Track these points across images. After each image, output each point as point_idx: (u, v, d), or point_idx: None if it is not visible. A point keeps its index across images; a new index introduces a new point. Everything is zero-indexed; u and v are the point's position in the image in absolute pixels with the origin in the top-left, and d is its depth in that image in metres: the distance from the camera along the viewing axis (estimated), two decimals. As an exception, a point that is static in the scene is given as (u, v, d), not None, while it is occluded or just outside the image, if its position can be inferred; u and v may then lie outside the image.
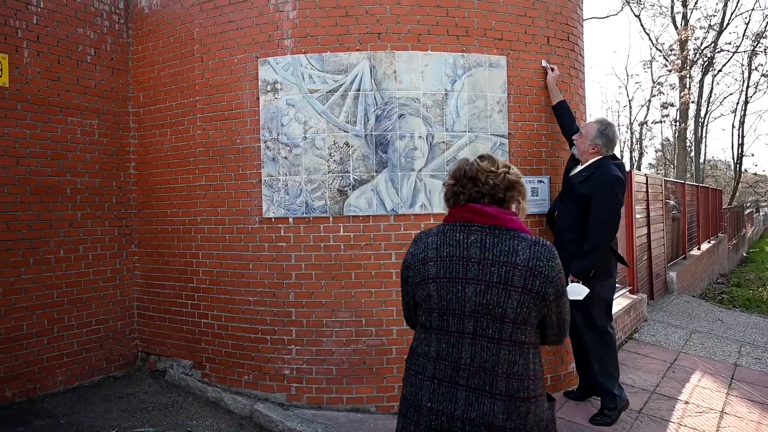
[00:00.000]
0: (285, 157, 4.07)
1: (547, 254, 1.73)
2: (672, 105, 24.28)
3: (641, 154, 34.02)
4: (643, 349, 5.55)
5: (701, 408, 4.12)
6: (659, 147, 37.03)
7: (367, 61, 3.98)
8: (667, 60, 24.22)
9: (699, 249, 12.42)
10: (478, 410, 1.69)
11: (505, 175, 1.81)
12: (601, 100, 71.97)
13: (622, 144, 33.01)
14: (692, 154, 26.65)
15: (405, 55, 4.00)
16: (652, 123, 28.49)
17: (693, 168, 26.45)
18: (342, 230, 4.01)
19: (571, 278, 3.66)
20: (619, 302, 6.01)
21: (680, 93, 23.31)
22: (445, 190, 1.89)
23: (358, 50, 3.99)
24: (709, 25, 23.84)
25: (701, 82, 25.26)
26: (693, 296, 9.74)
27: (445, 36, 4.05)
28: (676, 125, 24.87)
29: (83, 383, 4.60)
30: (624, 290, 6.65)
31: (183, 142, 4.53)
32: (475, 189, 1.80)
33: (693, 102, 24.49)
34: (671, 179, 13.01)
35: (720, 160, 42.01)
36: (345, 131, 3.99)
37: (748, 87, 27.18)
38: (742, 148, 28.35)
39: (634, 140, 33.09)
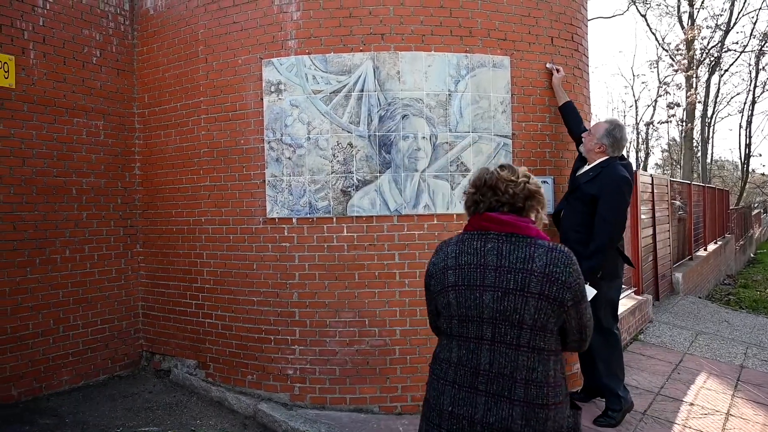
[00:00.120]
0: (289, 158, 4.08)
1: (564, 260, 1.74)
2: (678, 105, 24.19)
3: (647, 155, 33.89)
4: (648, 350, 5.53)
5: (706, 410, 4.10)
6: (666, 147, 36.90)
7: (370, 61, 3.99)
8: (673, 60, 24.13)
9: (705, 250, 12.36)
10: (496, 415, 1.71)
11: (525, 185, 1.83)
12: (607, 100, 71.82)
13: (628, 144, 32.86)
14: (699, 154, 26.53)
15: (408, 55, 4.00)
16: (659, 123, 28.41)
17: (700, 168, 26.31)
18: (345, 231, 4.02)
19: None
20: (624, 303, 5.99)
21: (687, 93, 23.21)
22: (465, 198, 1.92)
23: (361, 51, 4.00)
24: (716, 24, 23.76)
25: (708, 81, 25.16)
26: (699, 297, 9.69)
27: (448, 36, 4.06)
28: (682, 125, 24.76)
29: (88, 382, 4.62)
30: (629, 291, 6.62)
31: (187, 142, 4.55)
32: (494, 198, 1.82)
33: (699, 102, 24.39)
34: (677, 179, 12.96)
35: (727, 161, 41.80)
36: (348, 132, 4.00)
37: (755, 87, 27.07)
38: (749, 149, 28.21)
39: (640, 140, 32.97)
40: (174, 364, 4.73)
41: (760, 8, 34.12)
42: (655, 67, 33.51)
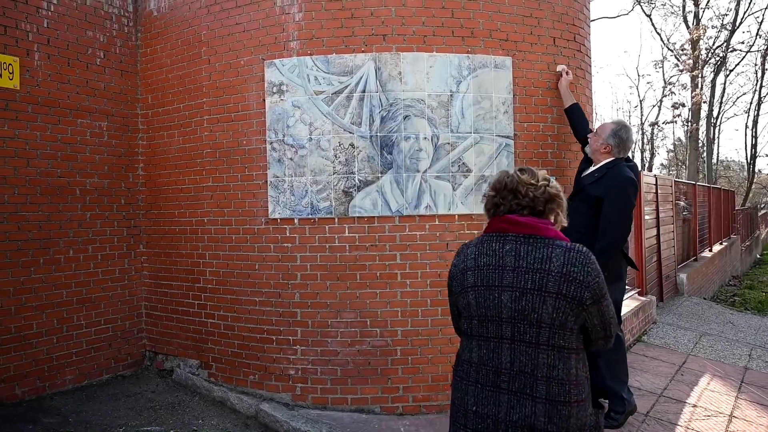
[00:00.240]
0: (291, 159, 4.09)
1: (582, 260, 1.75)
2: (683, 105, 24.08)
3: (652, 155, 33.76)
4: (651, 351, 5.51)
5: (709, 411, 4.08)
6: (671, 147, 36.76)
7: (372, 62, 3.99)
8: (678, 60, 24.02)
9: (710, 251, 12.31)
10: (520, 413, 1.74)
11: (545, 188, 1.85)
12: (611, 101, 71.54)
13: (633, 145, 32.74)
14: (704, 154, 26.41)
15: (410, 56, 4.01)
16: (664, 123, 28.26)
17: (705, 169, 26.20)
18: (347, 231, 4.03)
19: None
20: (628, 304, 5.97)
21: (692, 93, 23.12)
22: (485, 201, 1.96)
23: (363, 52, 4.01)
24: (722, 24, 23.65)
25: (713, 82, 25.03)
26: (704, 298, 9.65)
27: (450, 37, 4.06)
28: (687, 125, 24.66)
29: (92, 382, 4.64)
30: (633, 292, 6.61)
31: (190, 143, 4.57)
32: (515, 201, 1.85)
33: (705, 102, 24.28)
34: (682, 180, 12.91)
35: (733, 161, 41.58)
36: (350, 132, 4.01)
37: (761, 87, 26.91)
38: (755, 149, 28.07)
39: (645, 141, 32.86)
40: (177, 363, 4.75)
41: (767, 8, 34.01)
42: (660, 67, 33.44)
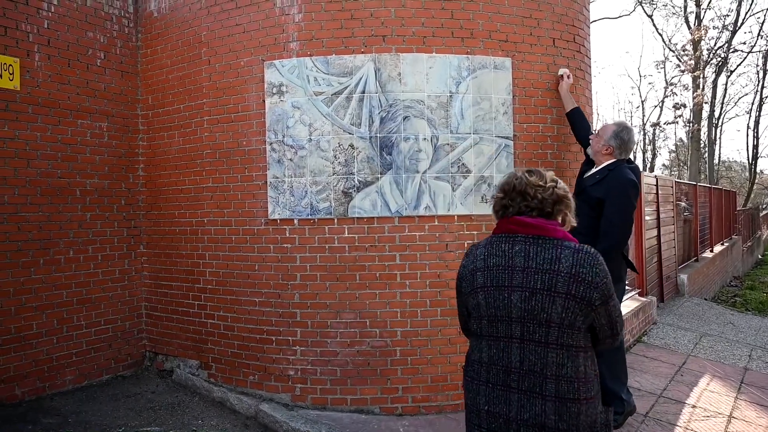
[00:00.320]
0: (290, 159, 4.10)
1: (591, 261, 1.78)
2: (684, 106, 24.05)
3: (654, 155, 33.73)
4: (651, 352, 5.51)
5: (709, 412, 4.08)
6: (673, 148, 36.72)
7: (371, 63, 4.00)
8: (680, 60, 24.00)
9: (712, 251, 12.29)
10: (530, 411, 1.77)
11: (553, 190, 1.88)
12: (613, 101, 71.46)
13: (635, 145, 32.71)
14: (706, 155, 26.38)
15: (410, 57, 4.01)
16: (665, 124, 28.23)
17: (707, 169, 26.17)
18: (347, 232, 4.03)
19: None
20: (628, 305, 5.97)
21: (693, 94, 23.09)
22: (493, 202, 1.99)
23: (362, 53, 4.01)
24: (723, 25, 23.64)
25: (715, 82, 25.02)
26: (705, 299, 9.64)
27: (449, 38, 4.06)
28: (689, 126, 24.63)
29: (92, 382, 4.65)
30: (633, 293, 6.60)
31: (190, 144, 4.58)
32: (524, 203, 1.88)
33: (706, 103, 24.25)
34: (682, 181, 12.90)
35: (735, 161, 41.53)
36: (350, 133, 4.01)
37: (763, 88, 26.89)
38: (756, 150, 28.05)
39: (647, 141, 32.83)
40: (177, 364, 4.76)
41: (768, 8, 33.93)
42: (662, 68, 33.38)
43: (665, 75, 32.63)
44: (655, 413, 4.00)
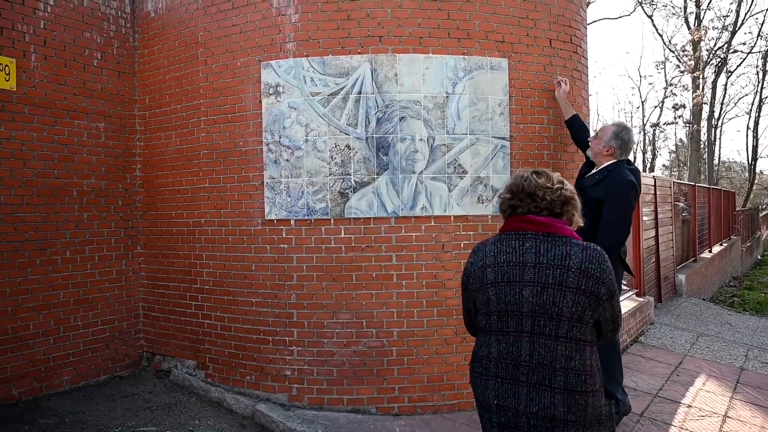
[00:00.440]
0: (287, 160, 4.10)
1: (598, 258, 1.86)
2: (683, 106, 24.07)
3: (654, 156, 33.74)
4: (648, 352, 5.51)
5: (704, 412, 4.09)
6: (673, 149, 36.73)
7: (368, 64, 4.00)
8: (680, 61, 24.02)
9: (710, 252, 12.30)
10: (539, 404, 1.82)
11: (561, 191, 1.95)
12: (613, 102, 71.50)
13: (635, 146, 32.70)
14: (705, 155, 26.39)
15: (406, 58, 4.02)
16: (665, 124, 28.25)
17: (706, 170, 26.19)
18: (343, 232, 4.04)
19: None
20: (625, 305, 5.97)
21: (693, 94, 23.11)
22: (500, 202, 2.05)
23: (359, 53, 4.02)
24: (723, 25, 23.66)
25: (714, 83, 25.02)
26: (703, 299, 9.64)
27: (446, 39, 4.07)
28: (689, 127, 24.65)
29: (89, 383, 4.65)
30: (631, 293, 6.61)
31: (187, 144, 4.58)
32: (533, 204, 1.94)
33: (706, 103, 24.27)
34: (681, 181, 12.90)
35: (735, 162, 41.55)
36: (346, 134, 4.02)
37: (762, 88, 26.91)
38: (756, 150, 28.07)
39: (647, 142, 32.84)
40: (174, 364, 4.76)
41: (767, 9, 33.95)
42: (662, 68, 33.44)
43: (665, 75, 32.67)
44: (650, 413, 4.00)
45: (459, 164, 4.06)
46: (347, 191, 4.01)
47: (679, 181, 12.26)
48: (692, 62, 22.59)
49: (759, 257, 22.69)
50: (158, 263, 4.88)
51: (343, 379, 4.02)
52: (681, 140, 34.65)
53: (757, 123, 27.81)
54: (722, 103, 27.71)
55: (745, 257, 18.57)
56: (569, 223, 1.96)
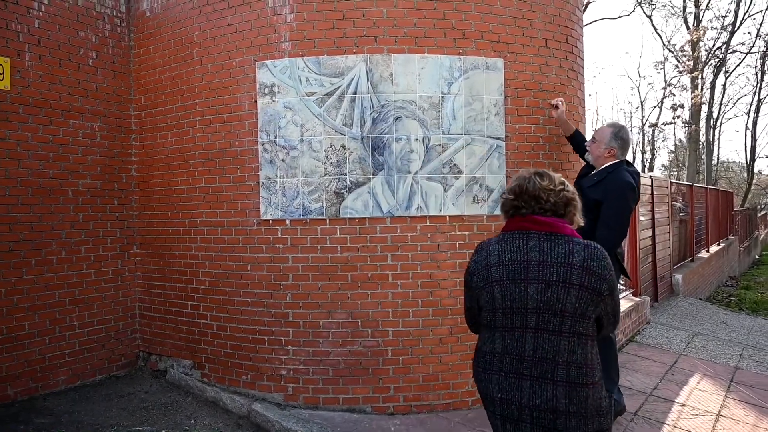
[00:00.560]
0: (282, 160, 4.10)
1: (600, 255, 1.94)
2: (681, 106, 24.10)
3: (653, 156, 33.77)
4: (643, 351, 5.52)
5: (697, 410, 4.10)
6: (672, 149, 36.75)
7: (363, 64, 4.00)
8: (678, 61, 24.04)
9: (707, 251, 12.31)
10: (542, 396, 1.88)
11: (563, 193, 2.01)
12: (612, 102, 71.54)
13: (634, 146, 32.74)
14: (704, 155, 26.42)
15: (401, 58, 4.02)
16: (663, 125, 28.28)
17: (705, 170, 26.22)
18: (338, 232, 4.04)
19: None
20: (622, 304, 5.95)
21: (692, 94, 23.13)
22: (502, 202, 2.10)
23: (354, 53, 4.02)
24: (722, 25, 23.69)
25: (713, 83, 25.05)
26: (699, 299, 9.66)
27: (441, 39, 4.07)
28: (687, 127, 24.67)
29: (85, 382, 4.65)
30: (627, 292, 6.61)
31: (183, 144, 4.58)
32: (537, 206, 2.00)
33: (704, 103, 24.30)
34: (678, 181, 12.92)
35: (734, 162, 41.57)
36: (341, 134, 4.02)
37: (761, 89, 26.94)
38: (754, 151, 28.10)
39: (646, 142, 32.86)
40: (170, 364, 4.76)
41: (766, 9, 34.00)
42: (661, 68, 33.43)
43: (665, 75, 32.68)
44: (644, 411, 4.01)
45: (454, 164, 4.06)
46: (343, 191, 4.02)
47: (676, 181, 12.27)
48: (691, 62, 22.62)
49: (757, 257, 22.73)
50: (154, 263, 4.87)
51: (339, 378, 4.02)
52: (680, 140, 34.70)
53: (755, 123, 27.87)
54: (721, 104, 27.78)
55: (743, 257, 18.60)
56: (570, 223, 2.01)
